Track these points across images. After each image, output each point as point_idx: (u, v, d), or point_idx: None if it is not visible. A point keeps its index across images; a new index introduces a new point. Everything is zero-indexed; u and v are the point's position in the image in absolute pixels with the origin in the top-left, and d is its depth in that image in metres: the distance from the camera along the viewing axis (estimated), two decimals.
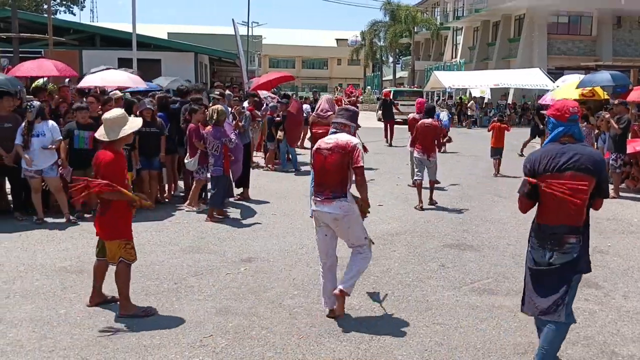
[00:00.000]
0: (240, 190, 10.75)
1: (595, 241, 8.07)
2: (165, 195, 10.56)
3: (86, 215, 8.97)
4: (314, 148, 5.42)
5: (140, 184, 9.78)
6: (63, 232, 8.20)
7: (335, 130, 5.39)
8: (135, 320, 5.18)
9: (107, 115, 5.38)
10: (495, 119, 15.60)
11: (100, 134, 5.29)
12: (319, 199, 5.24)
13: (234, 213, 9.62)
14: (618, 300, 5.97)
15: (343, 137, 5.26)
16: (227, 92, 13.84)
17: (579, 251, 4.05)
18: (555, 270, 4.05)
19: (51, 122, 8.72)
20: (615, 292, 6.21)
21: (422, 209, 10.02)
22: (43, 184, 8.73)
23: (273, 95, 15.63)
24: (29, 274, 6.40)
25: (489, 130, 14.88)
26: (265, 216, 9.47)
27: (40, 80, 11.83)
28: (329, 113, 9.25)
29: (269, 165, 14.53)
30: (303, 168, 14.20)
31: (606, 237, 8.37)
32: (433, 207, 10.36)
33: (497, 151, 14.14)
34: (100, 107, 9.59)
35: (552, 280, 4.08)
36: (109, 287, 5.61)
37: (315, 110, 10.12)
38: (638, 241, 8.32)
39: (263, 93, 15.84)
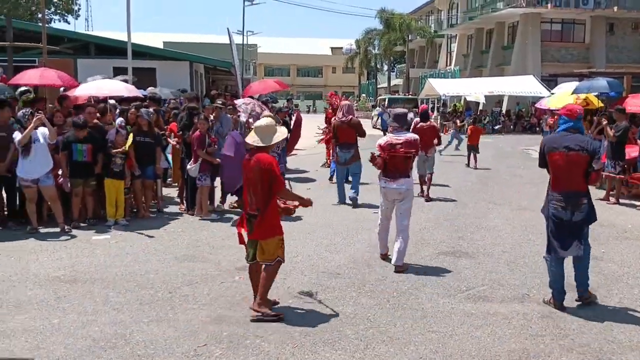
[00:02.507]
0: (236, 198, 10.72)
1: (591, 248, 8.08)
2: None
3: (82, 225, 8.95)
4: (385, 143, 7.14)
5: (134, 192, 9.78)
6: (57, 241, 8.17)
7: (397, 130, 7.25)
8: (128, 330, 5.16)
9: (260, 123, 5.76)
10: (471, 120, 19.89)
11: (254, 140, 5.61)
12: (389, 179, 7.11)
13: (229, 221, 9.60)
14: (613, 306, 5.97)
15: (409, 135, 7.30)
16: (220, 100, 13.83)
17: (589, 208, 5.76)
18: (576, 224, 5.75)
19: (40, 128, 8.64)
20: (610, 298, 6.21)
21: (423, 195, 11.72)
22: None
23: (262, 105, 15.50)
24: (22, 284, 6.37)
25: (467, 133, 17.89)
26: None
27: (22, 88, 11.74)
28: (349, 116, 10.99)
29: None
30: (289, 175, 14.20)
31: (600, 243, 8.37)
32: (429, 201, 11.54)
33: (472, 147, 17.05)
34: (98, 116, 9.64)
35: (573, 231, 5.77)
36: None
37: (336, 116, 11.36)
38: (632, 247, 8.34)
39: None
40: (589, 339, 5.19)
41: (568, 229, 5.76)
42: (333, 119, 10.84)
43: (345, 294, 6.19)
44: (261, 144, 5.59)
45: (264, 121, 5.80)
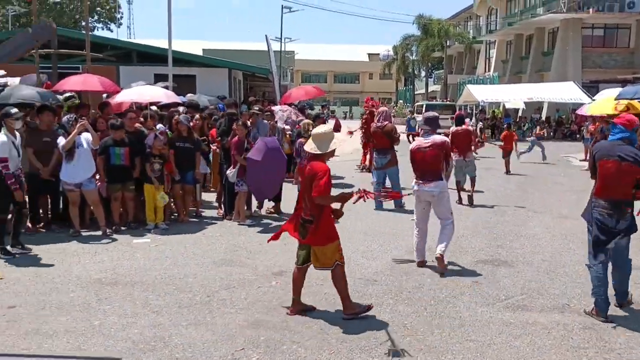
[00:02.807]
0: (272, 203, 10.79)
1: (637, 259, 7.88)
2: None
3: (122, 228, 9.12)
4: (414, 147, 7.40)
5: (173, 197, 9.93)
6: (98, 244, 8.34)
7: (428, 133, 7.44)
8: (167, 332, 5.23)
9: (317, 130, 5.85)
10: (505, 126, 20.23)
11: (312, 147, 5.69)
12: (421, 182, 7.28)
13: (266, 227, 9.66)
14: None
15: (437, 137, 7.41)
16: (257, 106, 13.93)
17: (632, 218, 5.78)
18: (619, 232, 5.75)
19: (83, 133, 8.81)
20: None
21: (460, 202, 11.71)
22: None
23: (298, 113, 15.57)
24: (64, 286, 6.51)
25: (501, 139, 18.21)
26: None
27: (67, 94, 12.02)
28: (385, 123, 11.25)
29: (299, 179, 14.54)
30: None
31: None
32: (470, 206, 11.66)
33: (507, 153, 17.11)
34: (139, 122, 9.84)
35: (614, 238, 5.76)
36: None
37: (375, 122, 11.71)
38: None
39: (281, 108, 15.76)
40: (639, 354, 5.04)
41: (611, 236, 5.76)
42: (378, 123, 11.19)
43: (382, 301, 6.16)
44: (318, 152, 5.65)
45: (322, 129, 5.90)
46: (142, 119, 10.33)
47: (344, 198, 5.79)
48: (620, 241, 5.82)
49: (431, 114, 7.91)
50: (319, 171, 5.53)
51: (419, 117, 24.57)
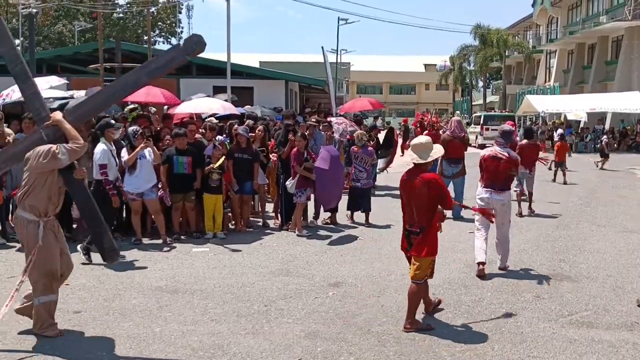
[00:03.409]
0: (329, 214, 10.81)
1: None
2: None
3: (182, 237, 9.29)
4: (488, 155, 7.83)
5: (232, 207, 10.07)
6: (159, 253, 8.52)
7: (502, 145, 7.90)
8: (226, 341, 5.28)
9: (417, 141, 5.99)
10: (557, 139, 20.42)
11: (414, 157, 5.83)
12: (492, 190, 7.69)
13: (322, 237, 9.68)
14: None
15: (513, 153, 8.00)
16: (314, 118, 14.02)
17: None
18: None
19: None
20: None
21: (521, 215, 11.63)
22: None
23: (351, 122, 15.59)
24: (127, 293, 6.68)
25: (554, 149, 18.45)
26: (352, 241, 9.47)
27: (131, 106, 12.38)
28: (463, 134, 11.66)
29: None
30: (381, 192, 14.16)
31: None
32: (532, 215, 11.80)
33: (559, 164, 17.21)
34: (198, 133, 10.03)
35: None
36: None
37: (449, 130, 11.96)
38: None
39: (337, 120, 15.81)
40: None
41: None
42: (452, 131, 11.52)
43: (441, 314, 6.07)
44: (420, 161, 5.79)
45: (421, 139, 6.05)
46: (202, 130, 10.53)
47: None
48: None
49: (507, 127, 8.30)
50: (440, 184, 5.76)
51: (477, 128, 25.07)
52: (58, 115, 5.22)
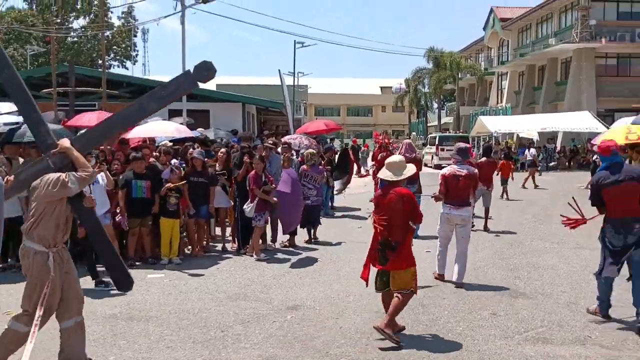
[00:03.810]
0: (287, 237, 10.77)
1: None
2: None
3: (137, 263, 9.10)
4: (448, 174, 8.06)
5: (187, 232, 9.94)
6: None
7: (460, 163, 8.17)
8: None
9: (392, 160, 6.32)
10: (502, 156, 21.23)
11: (388, 175, 6.13)
12: (452, 206, 7.94)
13: (281, 261, 9.63)
14: None
15: (471, 168, 8.26)
16: (271, 140, 14.01)
17: None
18: (629, 247, 6.22)
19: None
20: None
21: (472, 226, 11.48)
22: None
23: (309, 138, 15.66)
24: None
25: (499, 167, 18.04)
26: (311, 263, 9.44)
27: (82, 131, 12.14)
28: (414, 154, 11.84)
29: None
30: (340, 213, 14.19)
31: None
32: (486, 231, 12.14)
33: (504, 181, 18.05)
34: (152, 157, 9.89)
35: (624, 253, 6.27)
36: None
37: (398, 152, 11.94)
38: None
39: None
40: None
41: (621, 254, 6.32)
42: (405, 153, 11.60)
43: (399, 334, 6.07)
44: (394, 178, 6.07)
45: (396, 157, 6.40)
46: (156, 154, 10.41)
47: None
48: (635, 254, 6.29)
49: (462, 145, 8.69)
50: (412, 199, 6.04)
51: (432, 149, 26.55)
52: (66, 142, 5.06)
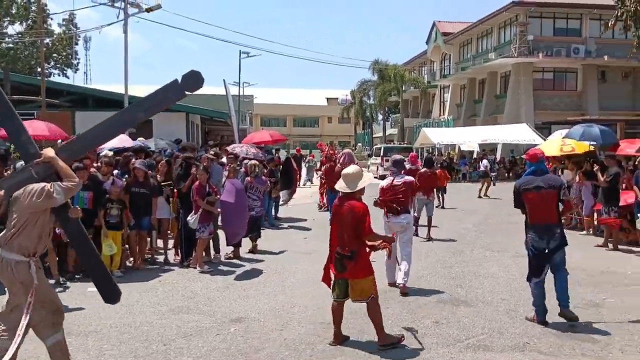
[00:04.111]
0: (232, 249, 10.66)
1: (590, 295, 8.01)
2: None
3: (76, 276, 8.84)
4: (387, 185, 8.40)
5: (129, 243, 9.73)
6: None
7: (396, 173, 8.50)
8: None
9: (347, 171, 6.24)
10: (438, 166, 21.27)
11: (342, 186, 6.12)
12: (393, 214, 8.24)
13: (225, 272, 9.52)
14: (616, 355, 5.87)
15: (408, 178, 8.56)
16: (213, 151, 13.91)
17: (561, 236, 6.74)
18: (552, 251, 6.70)
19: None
20: (612, 346, 6.11)
21: (417, 234, 11.91)
22: None
23: (254, 145, 15.67)
24: None
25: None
26: (256, 275, 9.37)
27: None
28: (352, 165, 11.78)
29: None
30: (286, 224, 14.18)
31: (601, 290, 8.31)
32: (430, 241, 12.39)
33: (442, 189, 18.32)
34: (93, 168, 9.65)
35: (548, 257, 6.73)
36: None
37: (337, 162, 12.66)
38: (632, 293, 8.26)
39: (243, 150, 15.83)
40: None
41: (545, 257, 6.75)
42: (324, 166, 11.84)
43: (344, 344, 6.08)
44: (348, 190, 6.07)
45: (351, 169, 6.30)
46: (96, 164, 10.17)
47: (389, 238, 6.46)
48: (555, 257, 6.73)
49: (398, 157, 9.00)
50: (360, 212, 5.96)
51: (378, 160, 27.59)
52: (50, 152, 4.92)
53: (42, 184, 4.73)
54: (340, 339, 6.10)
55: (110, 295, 5.23)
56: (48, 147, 5.30)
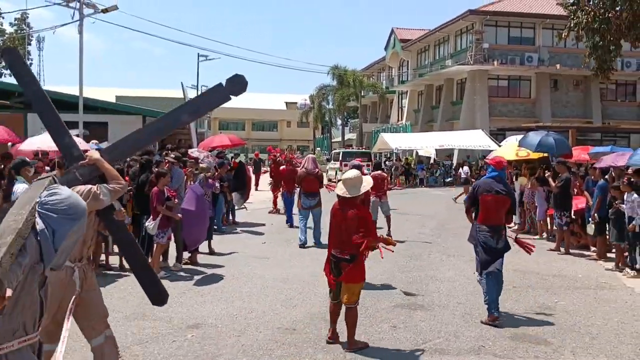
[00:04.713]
0: (189, 254, 10.53)
1: (542, 298, 8.19)
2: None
3: None
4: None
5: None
6: None
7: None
8: None
9: (347, 176, 6.27)
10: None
11: (343, 191, 6.14)
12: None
13: (182, 278, 9.40)
14: (567, 357, 6.01)
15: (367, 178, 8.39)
16: (173, 154, 13.73)
17: (506, 239, 7.30)
18: (498, 250, 7.20)
19: None
20: (564, 348, 6.26)
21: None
22: None
23: (207, 153, 15.57)
24: None
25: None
26: (214, 280, 9.27)
27: None
28: (317, 170, 12.61)
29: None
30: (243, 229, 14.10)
31: (553, 293, 8.50)
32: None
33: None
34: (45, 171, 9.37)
35: (497, 255, 7.19)
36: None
37: (302, 167, 12.97)
38: (583, 296, 8.48)
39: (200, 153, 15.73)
40: None
41: (494, 253, 7.18)
42: (307, 168, 12.27)
43: (301, 350, 6.07)
44: (348, 196, 6.10)
45: (351, 174, 6.31)
46: (48, 168, 9.92)
47: (386, 241, 6.32)
48: (497, 263, 7.15)
49: (356, 162, 9.43)
50: (365, 216, 6.12)
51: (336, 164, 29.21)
52: (96, 154, 4.79)
53: (89, 186, 4.60)
54: (337, 337, 6.25)
55: (158, 297, 5.12)
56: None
